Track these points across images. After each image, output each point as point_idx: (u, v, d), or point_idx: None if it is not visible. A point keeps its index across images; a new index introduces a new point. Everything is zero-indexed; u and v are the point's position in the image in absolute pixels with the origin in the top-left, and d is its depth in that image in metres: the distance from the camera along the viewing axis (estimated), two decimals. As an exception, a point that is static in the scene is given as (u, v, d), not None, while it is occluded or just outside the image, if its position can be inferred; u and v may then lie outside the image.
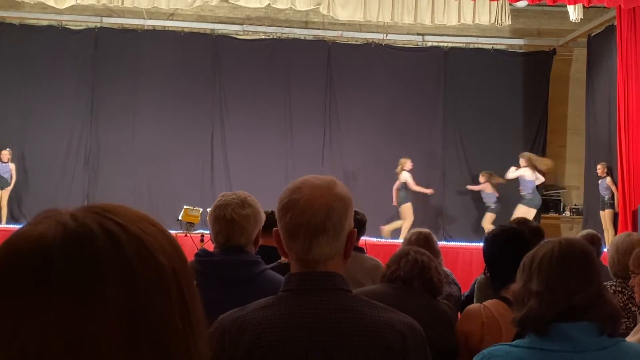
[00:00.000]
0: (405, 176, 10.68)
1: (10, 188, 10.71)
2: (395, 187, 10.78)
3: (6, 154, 10.76)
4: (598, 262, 1.75)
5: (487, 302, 2.39)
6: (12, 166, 10.78)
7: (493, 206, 10.72)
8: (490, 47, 12.14)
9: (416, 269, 2.54)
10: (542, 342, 1.54)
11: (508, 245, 2.48)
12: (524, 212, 9.53)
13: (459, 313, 3.40)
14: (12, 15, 11.67)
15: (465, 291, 3.91)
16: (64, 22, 11.72)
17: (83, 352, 0.57)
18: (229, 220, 2.28)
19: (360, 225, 3.32)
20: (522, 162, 10.57)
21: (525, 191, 10.39)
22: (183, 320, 0.63)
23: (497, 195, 10.77)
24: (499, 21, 10.92)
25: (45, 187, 11.26)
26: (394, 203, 10.73)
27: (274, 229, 1.47)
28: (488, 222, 10.35)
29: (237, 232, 2.28)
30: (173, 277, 0.63)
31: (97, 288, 0.58)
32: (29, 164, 11.45)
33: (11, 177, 10.71)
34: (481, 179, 10.95)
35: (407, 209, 10.47)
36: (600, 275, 1.63)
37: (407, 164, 10.71)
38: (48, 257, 0.58)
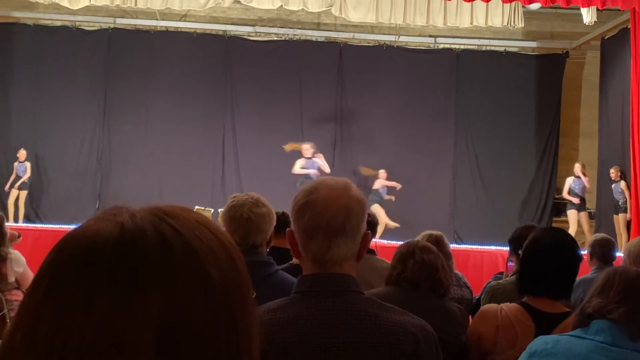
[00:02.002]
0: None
1: (27, 186, 10.84)
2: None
3: (23, 153, 10.88)
4: None
5: (505, 305, 2.34)
6: (27, 165, 10.90)
7: (383, 199, 10.90)
8: (502, 49, 12.09)
9: (424, 270, 2.49)
10: (584, 333, 1.74)
11: (559, 253, 2.31)
12: (378, 210, 10.22)
13: (470, 316, 3.39)
14: (26, 16, 11.77)
15: (476, 294, 3.90)
16: (77, 23, 11.81)
17: (116, 353, 0.57)
18: (245, 219, 2.28)
19: (371, 227, 3.32)
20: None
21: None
22: (228, 337, 0.61)
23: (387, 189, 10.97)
24: (512, 23, 10.88)
25: (59, 187, 11.34)
26: None
27: (288, 229, 1.47)
28: (385, 215, 10.41)
29: (254, 231, 2.28)
30: (222, 291, 0.61)
31: (137, 290, 0.58)
32: (42, 164, 11.55)
33: (27, 176, 10.85)
34: (363, 170, 11.07)
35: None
36: None
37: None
38: (98, 255, 0.59)
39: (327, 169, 10.27)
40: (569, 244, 2.35)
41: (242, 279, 0.65)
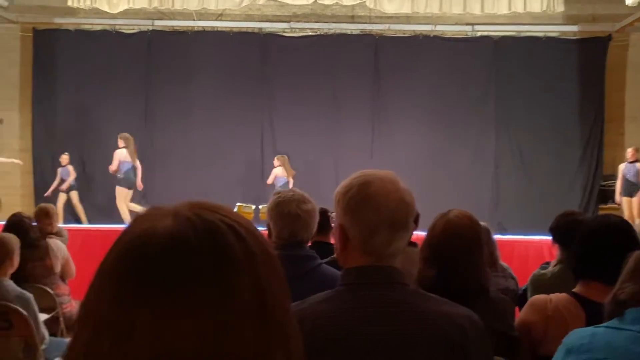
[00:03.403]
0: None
1: (75, 187, 11.09)
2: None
3: (65, 157, 11.16)
4: None
5: (554, 296, 2.30)
6: (70, 168, 11.17)
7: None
8: (542, 34, 11.84)
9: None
10: (620, 323, 1.65)
11: (613, 234, 2.22)
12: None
13: (516, 307, 3.35)
14: (68, 22, 12.05)
15: (522, 285, 3.84)
16: (117, 27, 12.04)
17: (224, 341, 0.59)
18: (294, 215, 2.32)
19: (415, 220, 3.30)
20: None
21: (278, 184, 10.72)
22: (289, 305, 0.67)
23: (287, 179, 10.88)
24: (552, 8, 10.64)
25: (103, 189, 11.60)
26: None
27: (338, 223, 1.47)
28: None
29: (302, 227, 2.32)
30: (280, 265, 0.66)
31: (232, 278, 0.61)
32: (87, 167, 11.83)
33: (72, 177, 11.11)
34: (276, 162, 10.99)
35: None
36: None
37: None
38: (185, 251, 0.60)
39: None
40: (624, 226, 2.29)
41: (279, 270, 0.67)
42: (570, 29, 11.96)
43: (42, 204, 5.67)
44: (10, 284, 3.66)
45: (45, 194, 10.92)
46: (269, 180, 10.90)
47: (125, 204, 10.36)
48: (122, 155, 10.30)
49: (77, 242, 7.47)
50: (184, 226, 0.62)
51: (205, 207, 0.65)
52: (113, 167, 10.29)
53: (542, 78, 11.62)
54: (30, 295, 3.64)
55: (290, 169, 11.01)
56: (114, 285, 0.60)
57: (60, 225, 6.32)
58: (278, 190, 10.63)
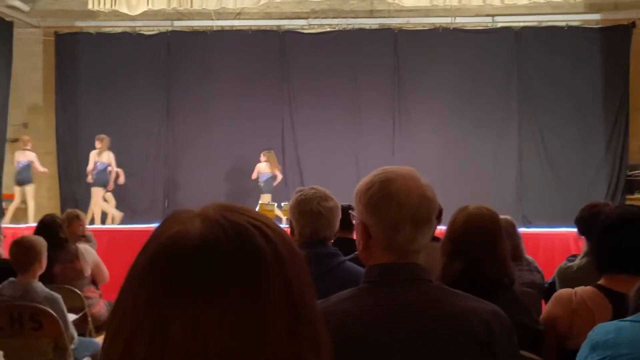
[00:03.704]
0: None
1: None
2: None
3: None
4: None
5: (579, 289, 2.27)
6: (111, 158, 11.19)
7: (265, 185, 10.91)
8: (564, 24, 11.67)
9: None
10: None
11: (635, 225, 2.19)
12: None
13: (543, 300, 3.31)
14: (89, 25, 12.20)
15: (548, 278, 3.81)
16: (137, 28, 12.15)
17: (255, 340, 0.60)
18: (315, 213, 2.32)
19: (438, 215, 3.28)
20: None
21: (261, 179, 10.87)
22: (317, 304, 0.67)
23: (271, 175, 10.93)
24: (573, -4, 10.48)
25: (127, 188, 11.72)
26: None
27: (360, 220, 1.46)
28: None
29: (324, 224, 2.32)
30: (306, 265, 0.67)
31: (262, 279, 0.62)
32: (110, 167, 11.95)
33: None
34: (262, 157, 11.00)
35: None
36: None
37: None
38: (216, 253, 0.61)
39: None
40: None
41: (306, 270, 0.68)
42: (593, 17, 11.77)
43: (71, 209, 5.75)
44: (39, 286, 3.72)
45: (108, 189, 10.95)
46: (253, 175, 11.02)
47: (100, 204, 10.56)
48: (95, 156, 10.61)
49: (103, 244, 7.55)
50: (214, 228, 0.63)
51: (232, 209, 0.66)
52: (90, 167, 10.62)
53: (565, 68, 11.46)
54: (58, 296, 3.70)
55: (277, 164, 11.09)
56: (148, 287, 0.61)
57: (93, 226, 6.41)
58: (260, 184, 10.81)
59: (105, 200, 10.97)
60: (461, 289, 1.48)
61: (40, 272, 3.82)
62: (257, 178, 10.99)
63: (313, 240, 2.30)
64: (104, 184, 10.65)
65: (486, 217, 2.28)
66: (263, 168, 10.98)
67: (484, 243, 2.23)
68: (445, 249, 2.28)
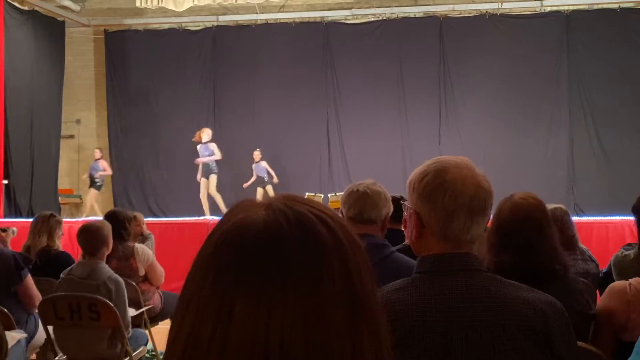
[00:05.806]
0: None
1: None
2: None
3: (257, 154, 11.21)
4: None
5: (634, 280, 2.21)
6: (264, 164, 11.25)
7: (266, 178, 10.92)
8: (616, 6, 11.29)
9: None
10: None
11: None
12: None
13: (597, 290, 3.24)
14: (137, 22, 12.46)
15: (603, 267, 3.71)
16: (183, 24, 12.34)
17: (316, 327, 0.61)
18: (361, 193, 2.36)
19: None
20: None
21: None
22: (377, 293, 0.67)
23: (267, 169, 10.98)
24: (626, -23, 10.14)
25: (176, 181, 11.94)
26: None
27: (413, 210, 1.46)
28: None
29: (369, 205, 2.35)
30: (367, 255, 0.67)
31: (324, 267, 0.63)
32: (162, 161, 12.21)
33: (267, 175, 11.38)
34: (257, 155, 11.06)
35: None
36: None
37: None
38: (279, 240, 0.63)
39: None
40: None
41: (366, 259, 0.68)
42: (647, -2, 11.37)
43: (130, 211, 5.90)
44: (105, 267, 3.91)
45: (245, 185, 11.16)
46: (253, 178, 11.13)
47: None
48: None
49: (155, 234, 7.70)
50: (277, 217, 0.64)
51: (296, 199, 0.68)
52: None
53: (617, 51, 11.09)
54: (121, 280, 3.86)
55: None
56: (213, 273, 0.63)
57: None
58: (262, 177, 10.80)
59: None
60: (513, 280, 1.46)
61: (107, 253, 4.06)
62: (256, 173, 11.10)
63: (359, 220, 2.33)
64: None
65: (532, 206, 2.23)
66: (258, 163, 11.17)
67: (532, 232, 2.18)
68: (492, 240, 2.23)
